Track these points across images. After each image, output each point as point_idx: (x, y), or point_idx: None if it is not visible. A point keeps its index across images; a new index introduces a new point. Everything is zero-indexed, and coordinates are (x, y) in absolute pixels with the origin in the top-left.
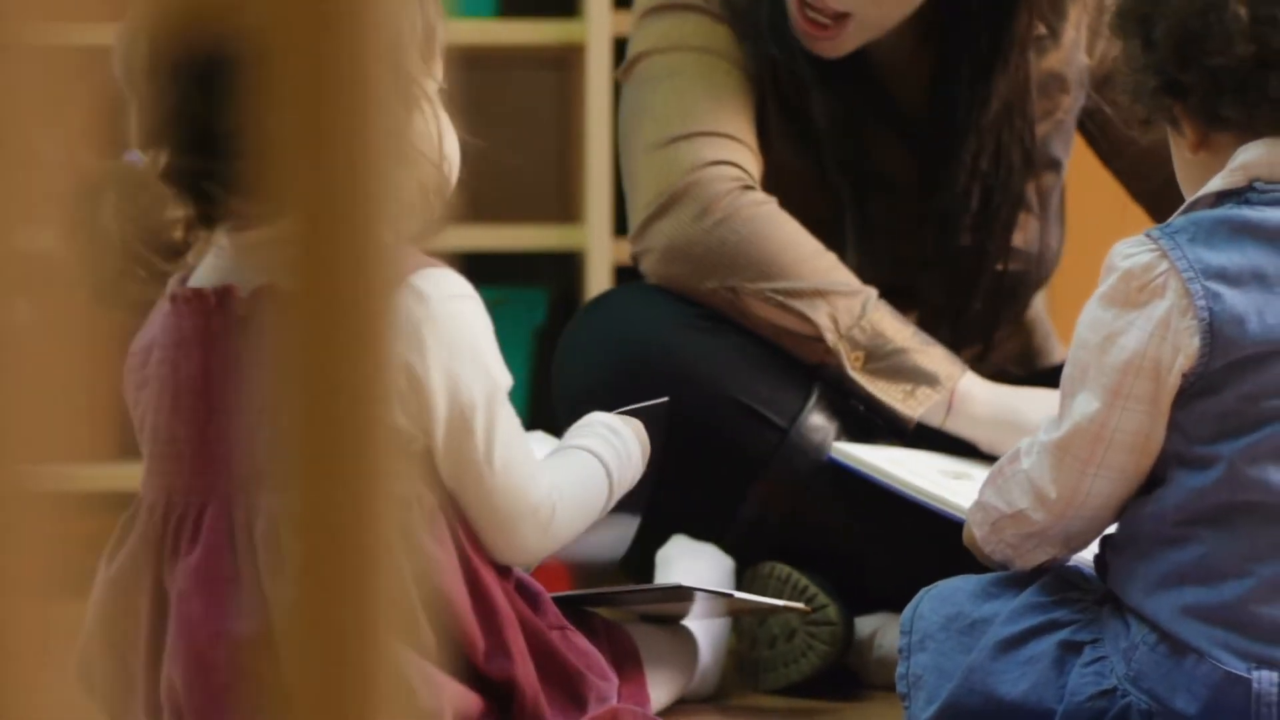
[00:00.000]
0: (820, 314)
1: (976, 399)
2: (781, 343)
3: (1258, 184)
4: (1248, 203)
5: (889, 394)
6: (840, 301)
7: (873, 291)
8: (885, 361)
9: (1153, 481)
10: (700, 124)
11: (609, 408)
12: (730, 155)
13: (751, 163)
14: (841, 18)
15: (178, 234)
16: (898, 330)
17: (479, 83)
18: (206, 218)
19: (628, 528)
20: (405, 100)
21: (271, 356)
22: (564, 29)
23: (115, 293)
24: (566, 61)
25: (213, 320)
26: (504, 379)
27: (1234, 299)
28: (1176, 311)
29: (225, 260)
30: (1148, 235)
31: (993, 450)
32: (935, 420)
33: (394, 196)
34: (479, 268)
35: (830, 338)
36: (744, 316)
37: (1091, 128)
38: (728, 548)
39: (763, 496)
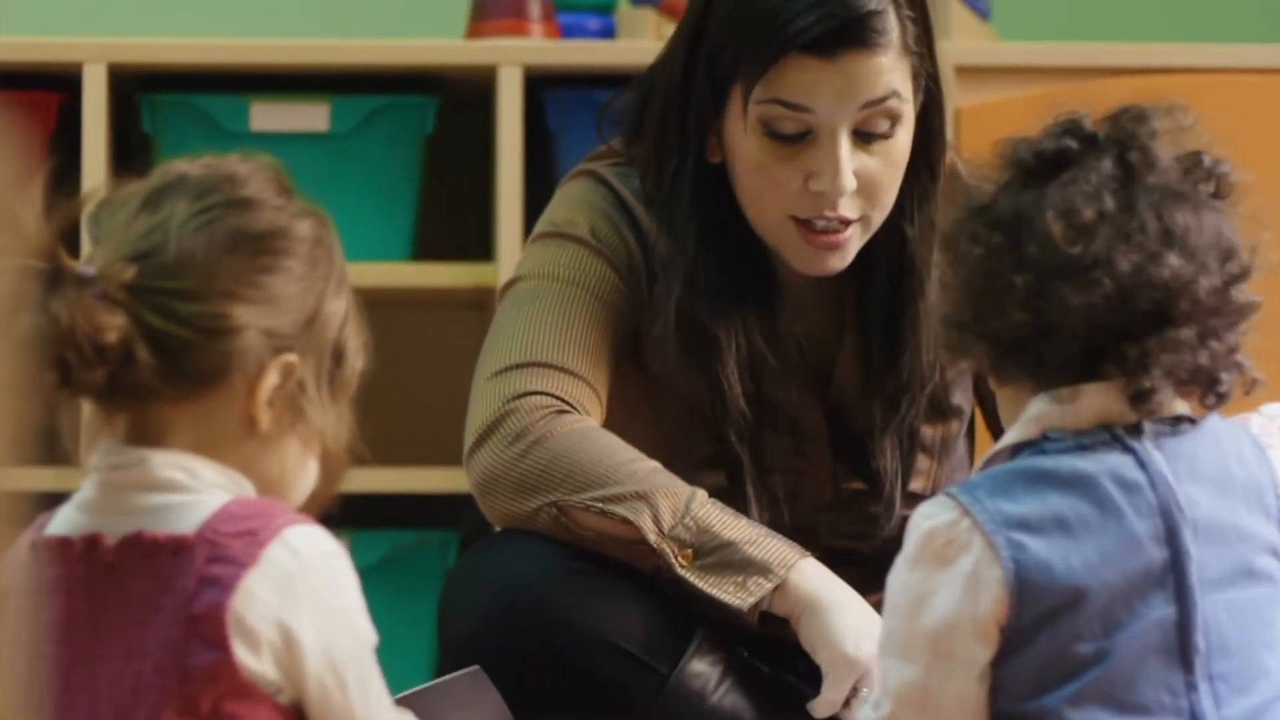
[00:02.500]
0: (642, 516)
1: (807, 575)
2: (614, 552)
3: (1050, 433)
4: (1042, 452)
5: (720, 588)
6: (662, 502)
7: (699, 491)
8: (713, 556)
9: None
10: (537, 355)
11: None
12: (554, 387)
13: (581, 394)
14: (848, 222)
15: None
16: (727, 525)
17: (393, 325)
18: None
19: None
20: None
21: None
22: (477, 272)
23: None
24: (480, 304)
25: (76, 568)
26: (370, 637)
27: (1038, 547)
28: (983, 563)
29: (90, 507)
30: (947, 494)
31: (796, 629)
32: (767, 604)
33: None
34: (392, 510)
35: (653, 538)
36: (570, 532)
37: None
38: None
39: None
